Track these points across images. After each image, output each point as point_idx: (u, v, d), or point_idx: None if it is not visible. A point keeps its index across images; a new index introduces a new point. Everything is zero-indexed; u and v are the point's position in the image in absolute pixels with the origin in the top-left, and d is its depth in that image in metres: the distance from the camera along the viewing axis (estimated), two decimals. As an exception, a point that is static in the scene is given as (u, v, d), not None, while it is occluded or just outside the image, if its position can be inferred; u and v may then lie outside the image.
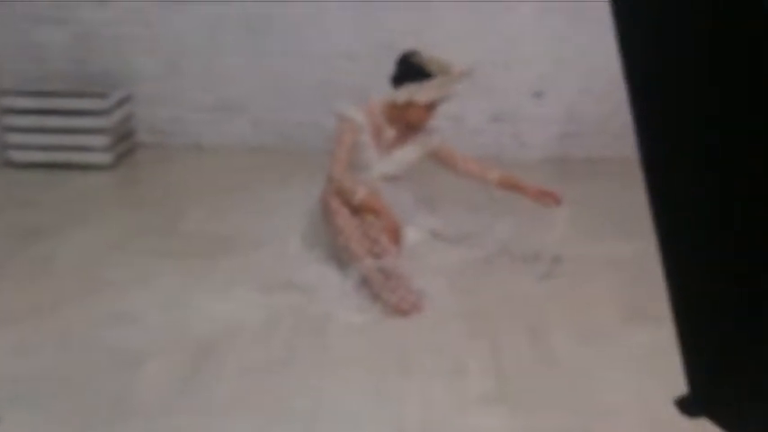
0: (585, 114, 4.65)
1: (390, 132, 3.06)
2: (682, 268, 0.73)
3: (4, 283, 2.81)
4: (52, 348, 2.37)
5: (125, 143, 4.45)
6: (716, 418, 0.79)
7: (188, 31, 4.51)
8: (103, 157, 4.19)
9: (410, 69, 2.96)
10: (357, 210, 2.90)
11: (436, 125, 3.22)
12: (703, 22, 0.61)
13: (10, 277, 2.86)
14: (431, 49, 3.05)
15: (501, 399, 2.19)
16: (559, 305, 2.78)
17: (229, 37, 4.52)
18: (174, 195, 3.80)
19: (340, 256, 2.90)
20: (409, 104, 2.97)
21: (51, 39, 4.50)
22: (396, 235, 2.88)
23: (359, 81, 4.53)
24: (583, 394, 2.22)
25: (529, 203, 3.14)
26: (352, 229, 2.84)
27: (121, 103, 4.38)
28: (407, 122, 3.04)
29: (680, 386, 2.22)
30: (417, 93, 2.93)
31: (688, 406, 0.83)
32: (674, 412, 2.01)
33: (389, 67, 4.48)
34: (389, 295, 2.69)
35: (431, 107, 3.00)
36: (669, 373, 2.29)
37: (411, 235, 3.05)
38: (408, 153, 3.13)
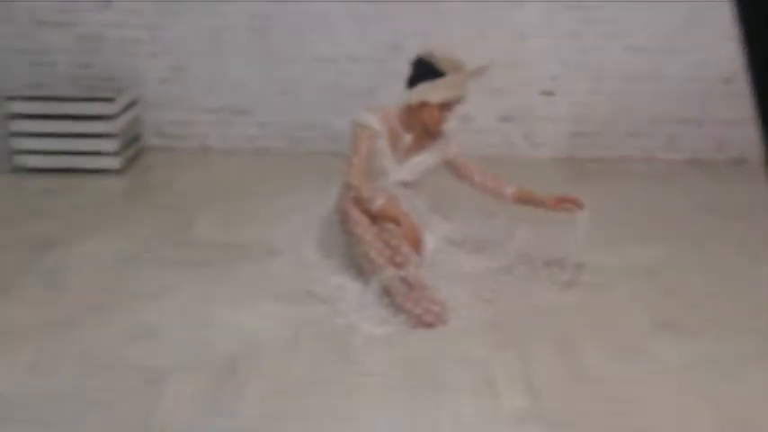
0: (596, 113, 4.61)
1: (407, 138, 3.00)
2: None
3: (15, 297, 2.74)
4: (71, 367, 2.30)
5: (133, 147, 4.38)
6: None
7: (193, 33, 4.44)
8: (112, 162, 4.13)
9: (423, 69, 2.90)
10: (376, 218, 2.84)
11: (452, 131, 3.15)
12: None
13: (22, 291, 2.79)
14: (442, 48, 2.97)
15: (536, 418, 2.13)
16: (586, 315, 2.72)
17: (235, 39, 4.46)
18: (185, 201, 3.74)
19: (360, 266, 2.85)
20: (423, 105, 2.91)
21: (56, 42, 4.43)
22: (417, 243, 2.82)
23: (365, 83, 4.48)
24: (620, 414, 2.16)
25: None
26: (372, 238, 2.79)
27: (129, 106, 4.32)
28: (423, 125, 2.97)
29: (719, 404, 2.19)
30: (430, 92, 2.86)
31: None
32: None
33: (396, 69, 4.42)
34: (413, 306, 2.63)
35: (445, 107, 2.92)
36: (707, 391, 2.28)
37: (428, 243, 3.00)
38: (425, 160, 3.08)
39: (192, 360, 2.35)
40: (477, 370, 2.36)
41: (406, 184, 3.07)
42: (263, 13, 4.40)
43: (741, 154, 4.67)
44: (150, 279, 2.87)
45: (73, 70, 4.48)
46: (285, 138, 4.67)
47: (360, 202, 2.84)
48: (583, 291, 2.89)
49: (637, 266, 3.12)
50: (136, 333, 2.49)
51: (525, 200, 3.09)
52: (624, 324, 2.67)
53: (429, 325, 2.60)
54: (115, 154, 4.12)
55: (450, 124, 3.09)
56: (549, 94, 4.57)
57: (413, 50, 4.30)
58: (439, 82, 2.84)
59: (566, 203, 3.02)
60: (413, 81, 2.92)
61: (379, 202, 2.82)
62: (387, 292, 2.70)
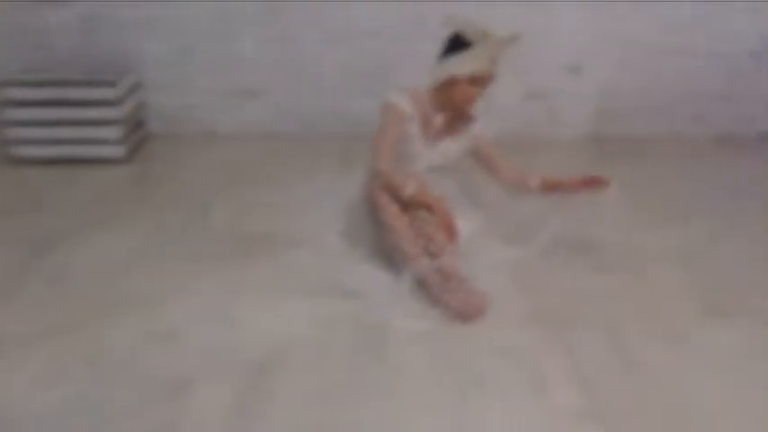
0: (623, 90, 4.39)
1: (438, 120, 2.79)
2: None
3: (18, 300, 2.50)
4: (82, 376, 2.08)
5: (137, 134, 4.16)
6: None
7: (200, 13, 4.20)
8: (116, 151, 3.90)
9: (450, 43, 2.68)
10: (407, 205, 2.64)
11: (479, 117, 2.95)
12: None
13: (23, 293, 2.54)
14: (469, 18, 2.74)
15: (594, 415, 1.97)
16: (628, 301, 2.57)
17: (244, 18, 4.22)
18: (196, 190, 3.53)
19: (391, 256, 2.65)
20: (452, 82, 2.69)
21: (53, 23, 4.18)
22: (451, 231, 2.61)
23: (385, 62, 4.25)
24: (679, 406, 2.02)
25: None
26: (404, 226, 2.59)
27: (132, 91, 4.09)
28: (454, 103, 2.75)
29: None
30: (458, 66, 2.64)
31: None
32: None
33: (419, 47, 4.22)
34: (451, 298, 2.44)
35: (476, 82, 2.69)
36: (766, 379, 2.12)
37: (461, 231, 2.80)
38: (456, 144, 2.87)
39: (218, 366, 2.14)
40: (524, 364, 2.19)
41: (435, 170, 2.87)
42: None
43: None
44: (165, 276, 2.65)
45: (71, 53, 4.23)
46: (298, 121, 4.45)
47: (390, 189, 2.63)
48: (622, 275, 2.75)
49: (673, 249, 3.00)
50: (152, 337, 2.27)
51: (552, 186, 2.91)
52: (669, 309, 2.54)
53: (469, 318, 2.42)
54: (119, 142, 3.90)
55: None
56: (576, 70, 4.35)
57: (436, 26, 4.14)
58: (466, 53, 2.62)
59: (593, 184, 2.83)
60: (441, 57, 2.69)
61: (410, 189, 2.61)
62: (421, 283, 2.51)
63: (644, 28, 4.24)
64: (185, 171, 3.84)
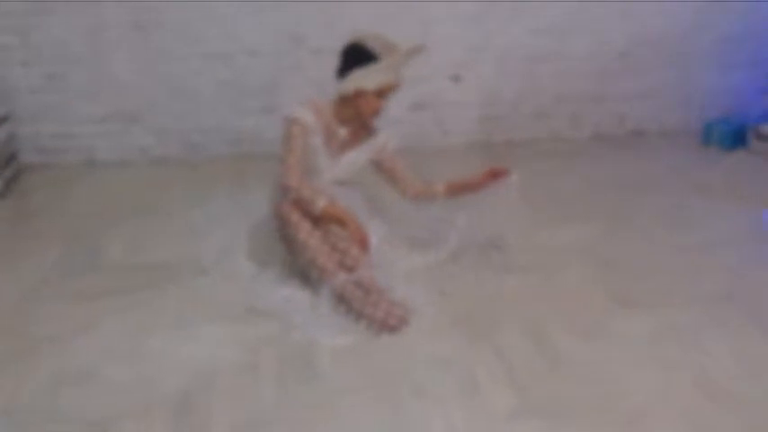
0: (503, 97, 4.55)
1: (342, 132, 2.77)
2: None
3: None
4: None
5: (10, 168, 3.86)
6: None
7: (67, 36, 3.97)
8: (-12, 187, 3.61)
9: (355, 55, 2.66)
10: (318, 220, 2.59)
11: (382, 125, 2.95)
12: None
13: None
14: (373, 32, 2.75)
15: (528, 412, 2.01)
16: (545, 299, 2.64)
17: (115, 40, 4.02)
18: (82, 223, 3.30)
19: (305, 274, 2.59)
20: (359, 94, 2.68)
21: None
22: (364, 244, 2.59)
23: (265, 79, 4.19)
24: (608, 396, 2.09)
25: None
26: (318, 242, 2.54)
27: (1, 122, 3.79)
28: (359, 115, 2.73)
29: (698, 374, 2.10)
30: (365, 79, 2.63)
31: None
32: (702, 402, 1.91)
33: (298, 61, 4.19)
34: (374, 311, 2.42)
35: (382, 94, 2.70)
36: (681, 362, 2.23)
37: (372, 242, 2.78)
38: (360, 155, 2.86)
39: (140, 403, 2.01)
40: (455, 370, 2.21)
41: (340, 182, 2.84)
42: (147, 7, 4.00)
43: (638, 126, 4.78)
44: (67, 316, 2.47)
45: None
46: (182, 144, 4.29)
47: (300, 205, 2.58)
48: (531, 274, 2.82)
49: (576, 245, 3.10)
50: (65, 379, 2.11)
51: (457, 188, 2.94)
52: (583, 303, 2.62)
53: (393, 328, 2.40)
54: (-9, 177, 3.61)
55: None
56: (457, 79, 4.46)
57: (315, 41, 4.13)
58: (374, 67, 2.61)
59: (497, 177, 2.87)
60: (344, 69, 2.67)
61: (321, 203, 2.57)
62: (341, 298, 2.48)
63: (518, 35, 4.42)
64: (67, 203, 3.59)
